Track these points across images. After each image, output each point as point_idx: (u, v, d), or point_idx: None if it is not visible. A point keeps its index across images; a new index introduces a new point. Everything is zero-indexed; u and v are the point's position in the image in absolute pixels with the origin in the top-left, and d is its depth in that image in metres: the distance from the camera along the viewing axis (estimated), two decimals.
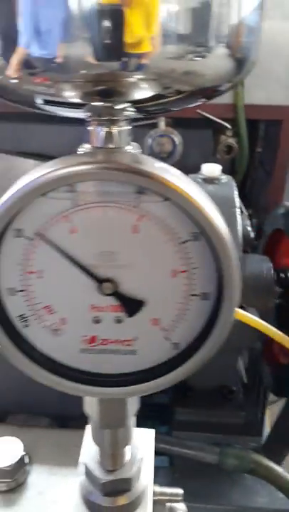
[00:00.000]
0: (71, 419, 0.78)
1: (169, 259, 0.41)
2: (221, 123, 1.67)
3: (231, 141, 1.70)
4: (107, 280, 0.42)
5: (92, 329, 0.44)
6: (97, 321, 0.44)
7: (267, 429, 1.14)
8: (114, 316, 0.44)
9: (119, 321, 0.44)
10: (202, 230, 0.39)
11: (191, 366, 0.44)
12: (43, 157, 1.72)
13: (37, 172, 0.39)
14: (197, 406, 1.04)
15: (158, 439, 0.66)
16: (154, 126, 1.67)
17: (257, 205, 1.78)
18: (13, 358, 0.44)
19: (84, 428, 0.66)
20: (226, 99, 1.67)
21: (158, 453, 0.64)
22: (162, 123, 1.68)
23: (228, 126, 1.67)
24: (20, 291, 0.43)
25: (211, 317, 0.43)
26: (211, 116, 1.67)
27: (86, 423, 0.65)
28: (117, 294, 0.43)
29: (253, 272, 1.00)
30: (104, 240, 0.41)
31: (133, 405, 0.51)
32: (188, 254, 0.41)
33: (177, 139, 1.68)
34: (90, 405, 0.50)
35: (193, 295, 0.42)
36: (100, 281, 0.42)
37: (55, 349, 0.45)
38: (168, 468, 1.04)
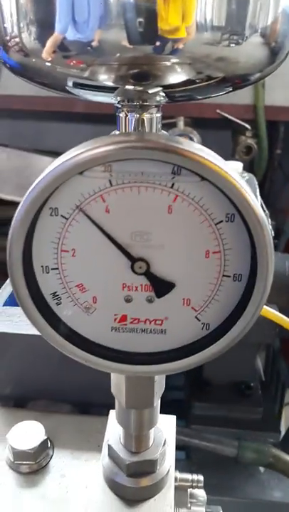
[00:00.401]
0: (92, 406, 0.79)
1: (203, 240, 0.42)
2: (240, 123, 1.67)
3: (251, 142, 1.71)
4: (140, 259, 0.43)
5: (123, 308, 0.45)
6: (128, 300, 0.45)
7: (283, 429, 1.14)
8: (146, 296, 0.44)
9: (150, 300, 0.45)
10: (237, 211, 0.40)
11: (220, 347, 0.44)
12: (60, 155, 1.73)
13: (74, 151, 0.40)
14: (215, 401, 1.05)
15: (177, 431, 0.67)
16: (173, 125, 1.68)
17: (274, 206, 1.78)
18: (46, 334, 0.45)
19: (105, 415, 0.67)
20: (245, 99, 1.68)
21: (176, 446, 0.64)
22: (181, 122, 1.69)
23: (248, 126, 1.68)
24: (54, 269, 0.44)
25: (243, 299, 0.43)
26: (231, 117, 1.67)
27: (108, 410, 0.66)
28: (148, 274, 0.44)
29: (275, 269, 1.01)
30: (139, 219, 0.42)
31: (160, 386, 0.52)
32: (222, 235, 0.42)
33: (196, 138, 1.69)
34: (117, 385, 0.51)
35: (225, 276, 0.43)
36: (133, 260, 0.43)
37: (87, 327, 0.46)
38: (185, 462, 1.05)
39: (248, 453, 0.92)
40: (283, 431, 1.13)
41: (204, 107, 1.67)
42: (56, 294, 0.45)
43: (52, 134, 1.83)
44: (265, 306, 0.76)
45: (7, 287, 0.86)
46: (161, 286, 0.44)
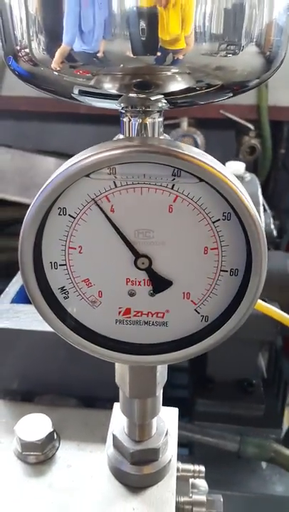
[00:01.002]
0: (97, 400, 0.82)
1: (201, 237, 0.45)
2: (244, 124, 1.69)
3: (254, 142, 1.73)
4: (143, 256, 0.46)
5: (127, 302, 0.48)
6: (132, 294, 0.47)
7: (285, 426, 1.16)
8: (148, 290, 0.47)
9: (152, 294, 0.47)
10: (233, 210, 0.43)
11: (218, 337, 0.47)
12: (64, 156, 1.76)
13: (82, 155, 0.43)
14: (218, 398, 1.06)
15: (181, 427, 0.69)
16: (177, 126, 1.70)
17: (278, 207, 1.80)
18: (54, 326, 0.48)
19: (109, 408, 0.69)
20: (249, 100, 1.69)
21: (179, 443, 0.67)
22: (185, 123, 1.71)
23: (251, 127, 1.70)
24: (62, 265, 0.47)
25: (239, 292, 0.46)
26: (234, 117, 1.69)
27: (112, 404, 0.69)
28: (149, 271, 0.46)
29: (276, 267, 1.03)
30: (142, 218, 0.45)
31: (162, 376, 0.54)
32: (219, 233, 0.44)
33: (200, 139, 1.71)
34: (122, 376, 0.54)
35: (223, 271, 0.46)
36: (137, 255, 0.46)
37: (92, 320, 0.49)
38: (188, 458, 1.07)
39: (249, 448, 0.94)
40: (285, 428, 1.14)
41: (208, 107, 1.68)
42: (64, 288, 0.48)
43: (55, 134, 1.85)
44: (267, 304, 0.78)
45: (14, 285, 0.89)
46: (159, 283, 0.47)
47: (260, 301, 0.79)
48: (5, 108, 1.75)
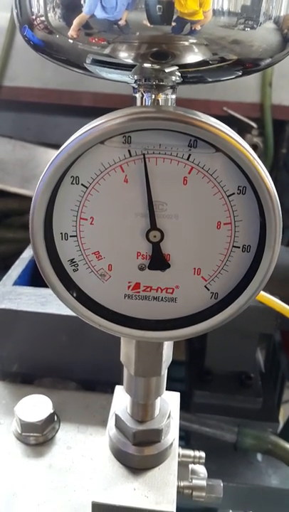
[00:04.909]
0: (98, 384, 0.81)
1: (215, 212, 0.44)
2: (246, 122, 1.69)
3: (256, 140, 1.73)
4: (156, 229, 0.45)
5: (136, 276, 0.47)
6: (142, 268, 0.47)
7: (281, 424, 1.16)
8: None
9: (163, 269, 0.47)
10: (249, 183, 0.42)
11: (227, 315, 0.46)
12: None
13: (97, 121, 0.42)
14: (215, 390, 1.06)
15: (179, 417, 0.68)
16: None
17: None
18: (62, 298, 0.47)
19: (110, 393, 0.69)
20: (253, 98, 1.69)
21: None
22: None
23: (254, 125, 1.70)
24: (72, 236, 0.46)
25: (250, 269, 0.46)
26: (237, 115, 1.69)
27: (112, 389, 0.68)
28: (155, 246, 0.46)
29: (278, 261, 1.03)
30: (156, 190, 0.44)
31: (168, 355, 0.54)
32: (233, 207, 0.44)
33: None
34: (127, 354, 0.53)
35: (235, 247, 0.45)
36: (153, 227, 0.45)
37: (101, 294, 0.48)
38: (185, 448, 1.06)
39: (247, 439, 0.94)
40: (281, 426, 1.14)
41: (211, 104, 1.68)
42: (74, 260, 0.47)
43: (58, 127, 1.84)
44: (269, 295, 0.78)
45: (17, 268, 0.89)
46: (158, 261, 0.46)
47: (262, 293, 0.78)
48: (7, 98, 1.74)
